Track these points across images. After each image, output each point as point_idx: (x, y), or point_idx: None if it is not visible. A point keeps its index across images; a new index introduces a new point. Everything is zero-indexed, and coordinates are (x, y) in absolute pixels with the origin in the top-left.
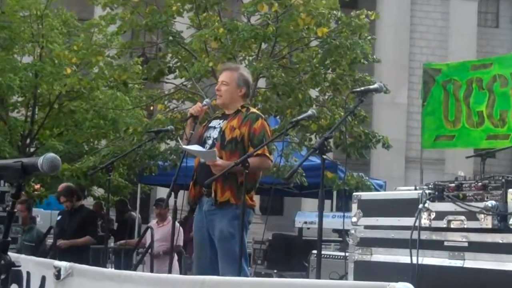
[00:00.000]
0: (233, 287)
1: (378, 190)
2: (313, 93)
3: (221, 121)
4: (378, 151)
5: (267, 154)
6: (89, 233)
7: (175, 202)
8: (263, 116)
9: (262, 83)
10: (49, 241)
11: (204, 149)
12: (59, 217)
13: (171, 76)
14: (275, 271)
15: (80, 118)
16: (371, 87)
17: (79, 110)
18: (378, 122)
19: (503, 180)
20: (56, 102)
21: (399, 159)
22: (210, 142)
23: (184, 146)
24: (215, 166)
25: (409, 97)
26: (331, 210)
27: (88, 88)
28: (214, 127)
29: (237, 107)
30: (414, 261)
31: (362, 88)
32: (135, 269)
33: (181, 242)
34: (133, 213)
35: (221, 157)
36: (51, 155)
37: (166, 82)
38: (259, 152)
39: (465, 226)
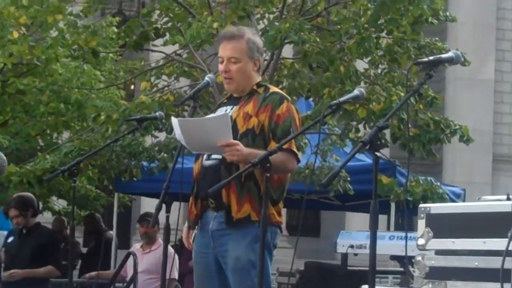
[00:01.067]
0: None
1: (455, 201)
2: (361, 65)
3: (230, 107)
4: (454, 147)
5: (295, 150)
6: (51, 261)
7: (167, 218)
8: (289, 98)
9: (288, 51)
10: None
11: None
12: (9, 239)
13: (159, 41)
14: None
15: (32, 101)
16: (443, 56)
17: (31, 90)
18: (454, 106)
19: None
20: None
21: (483, 158)
22: None
23: (176, 120)
24: (233, 150)
25: (498, 71)
26: (388, 229)
27: (43, 60)
28: None
29: (251, 86)
30: None
31: (431, 58)
32: None
33: (176, 275)
34: (109, 233)
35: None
36: None
37: (153, 51)
38: (284, 147)
39: None
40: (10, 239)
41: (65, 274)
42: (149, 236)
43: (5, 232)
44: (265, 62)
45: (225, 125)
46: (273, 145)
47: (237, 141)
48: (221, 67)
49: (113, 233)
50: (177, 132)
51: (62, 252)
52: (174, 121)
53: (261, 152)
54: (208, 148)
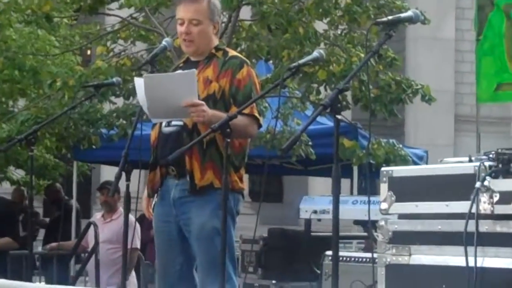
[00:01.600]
0: None
1: (418, 163)
2: (320, 26)
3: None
4: (416, 108)
5: (256, 115)
6: (8, 233)
7: (127, 186)
8: (248, 62)
9: (245, 13)
10: None
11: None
12: None
13: (115, 5)
14: (274, 281)
15: None
16: (403, 15)
17: None
18: (415, 65)
19: None
20: None
21: (445, 118)
22: None
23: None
24: (199, 110)
25: (458, 30)
26: (351, 193)
27: None
28: None
29: (210, 50)
30: (471, 264)
31: (390, 17)
32: (74, 283)
33: (138, 244)
34: (70, 201)
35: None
36: None
37: (108, 15)
38: (245, 111)
39: None
40: None
41: (25, 246)
42: (109, 205)
43: None
44: (223, 25)
45: (191, 82)
46: (234, 110)
47: (202, 102)
48: (181, 28)
49: (74, 202)
50: (140, 94)
51: (22, 223)
52: (139, 80)
53: (224, 115)
54: (170, 111)
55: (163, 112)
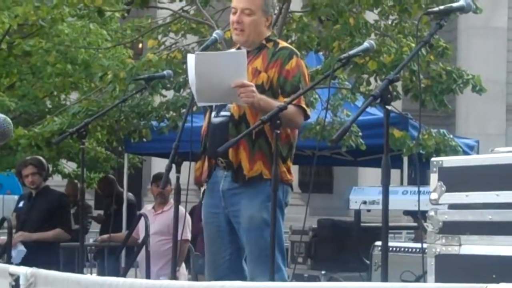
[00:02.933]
0: None
1: (469, 153)
2: (371, 16)
3: None
4: (467, 98)
5: (304, 106)
6: (60, 224)
7: (178, 178)
8: (298, 53)
9: (296, 4)
10: (2, 237)
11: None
12: (20, 204)
13: None
14: (323, 272)
15: (39, 62)
16: (454, 5)
17: (37, 52)
18: (466, 56)
19: None
20: (5, 41)
21: (497, 107)
22: None
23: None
24: (248, 91)
25: (510, 19)
26: (401, 183)
27: (48, 20)
28: None
29: (261, 41)
30: None
31: (441, 7)
32: (124, 275)
33: (188, 236)
34: (129, 194)
35: (241, 115)
36: None
37: (160, 8)
38: (293, 103)
39: None
40: (21, 204)
41: (77, 238)
42: (161, 197)
43: (16, 197)
44: (274, 16)
45: (242, 63)
46: (282, 100)
47: (251, 83)
48: (233, 17)
49: (125, 194)
50: (191, 72)
51: (74, 216)
52: (191, 57)
53: (272, 101)
54: (218, 93)
55: (210, 94)
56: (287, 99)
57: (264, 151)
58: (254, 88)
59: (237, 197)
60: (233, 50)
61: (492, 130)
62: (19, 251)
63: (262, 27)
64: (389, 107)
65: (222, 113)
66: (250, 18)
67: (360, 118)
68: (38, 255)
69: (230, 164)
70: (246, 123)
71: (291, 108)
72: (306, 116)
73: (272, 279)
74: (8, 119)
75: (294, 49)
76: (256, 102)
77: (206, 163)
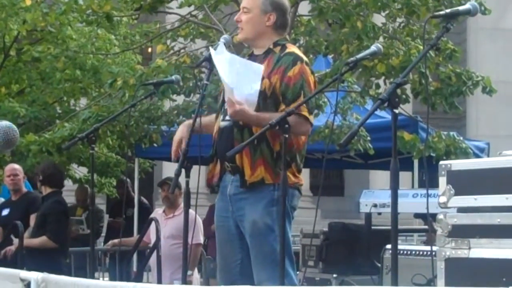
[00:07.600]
0: None
1: (479, 156)
2: (378, 19)
3: None
4: (477, 100)
5: (305, 114)
6: (46, 231)
7: (187, 183)
8: (304, 58)
9: (304, 8)
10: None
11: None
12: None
13: (174, 3)
14: (335, 275)
15: (48, 68)
16: (461, 8)
17: (46, 58)
18: (476, 57)
19: None
20: (14, 48)
21: (508, 109)
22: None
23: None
24: (230, 103)
25: None
26: (412, 186)
27: (57, 26)
28: None
29: (267, 44)
30: None
31: (448, 10)
32: (136, 279)
33: (201, 239)
34: (142, 199)
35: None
36: (3, 124)
37: (168, 13)
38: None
39: None
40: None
41: (87, 243)
42: (170, 201)
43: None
44: (288, 19)
45: (258, 75)
46: (283, 108)
47: (241, 105)
48: (236, 16)
49: (136, 198)
50: (222, 64)
51: (86, 221)
52: (221, 55)
53: (263, 117)
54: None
55: (227, 91)
56: (287, 109)
57: (265, 156)
58: (242, 108)
59: (242, 202)
60: (254, 63)
61: (503, 132)
62: None
63: (261, 26)
64: (396, 111)
65: (227, 117)
66: (247, 16)
67: (370, 121)
68: (40, 262)
69: (236, 169)
70: (249, 128)
71: (294, 117)
72: (310, 124)
73: (282, 283)
74: (14, 127)
75: (301, 54)
76: (239, 117)
77: (218, 166)
